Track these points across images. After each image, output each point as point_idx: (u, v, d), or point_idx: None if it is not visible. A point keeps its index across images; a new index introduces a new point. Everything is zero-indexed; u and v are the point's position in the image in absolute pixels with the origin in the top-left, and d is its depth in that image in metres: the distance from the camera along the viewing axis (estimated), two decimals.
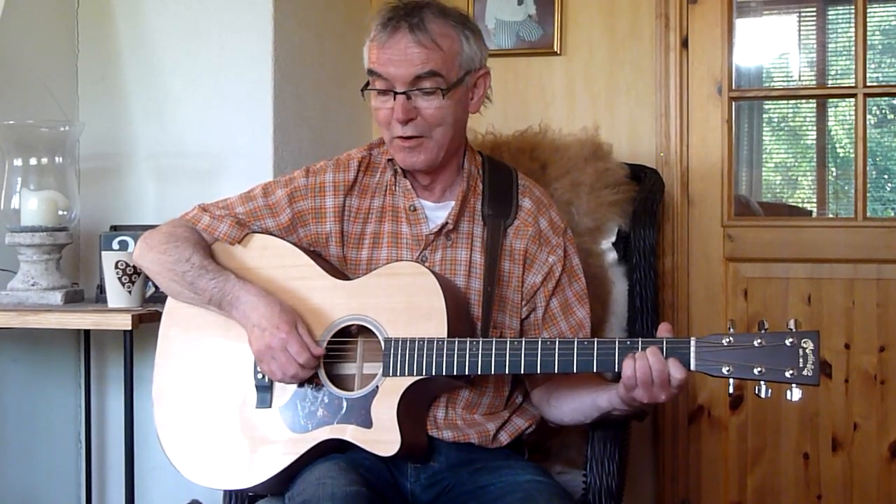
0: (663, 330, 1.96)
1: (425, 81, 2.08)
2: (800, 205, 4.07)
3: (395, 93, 2.08)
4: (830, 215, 3.86)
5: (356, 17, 3.50)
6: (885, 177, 3.90)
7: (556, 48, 3.54)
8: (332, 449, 2.07)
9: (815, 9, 3.97)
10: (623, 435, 2.41)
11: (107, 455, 3.20)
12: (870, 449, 3.38)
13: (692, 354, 1.89)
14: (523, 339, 2.00)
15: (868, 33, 3.39)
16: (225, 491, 2.31)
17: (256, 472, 2.10)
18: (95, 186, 3.12)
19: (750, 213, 3.72)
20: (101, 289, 2.78)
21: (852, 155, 3.43)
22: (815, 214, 3.91)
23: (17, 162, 2.83)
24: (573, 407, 2.16)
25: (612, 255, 2.76)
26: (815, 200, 4.01)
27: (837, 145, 3.96)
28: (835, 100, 3.90)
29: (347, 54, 3.39)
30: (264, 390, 2.12)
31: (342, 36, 3.41)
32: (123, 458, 2.66)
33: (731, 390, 1.92)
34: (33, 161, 2.85)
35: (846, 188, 3.75)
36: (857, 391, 3.38)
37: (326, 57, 3.33)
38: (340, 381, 2.11)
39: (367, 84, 2.14)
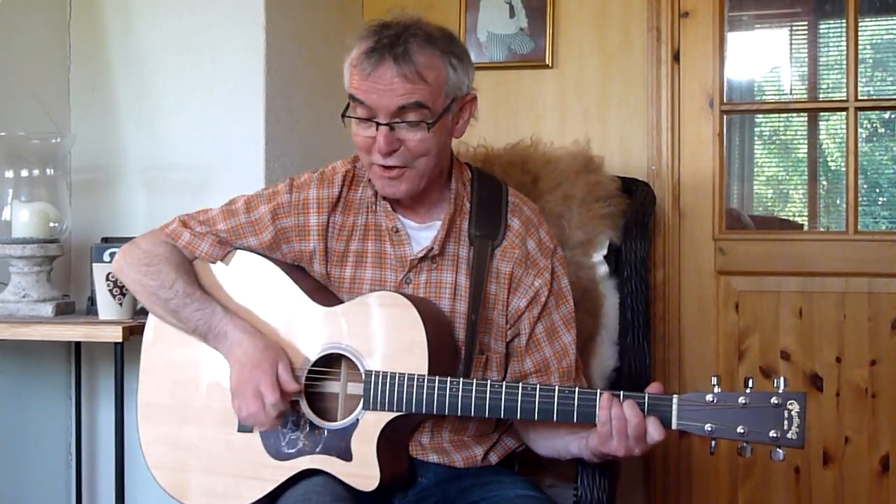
0: (653, 389, 1.92)
1: (410, 113, 1.99)
2: (791, 218, 4.07)
3: (378, 123, 2.01)
4: (822, 229, 3.86)
5: (348, 30, 3.47)
6: (877, 191, 3.90)
7: (547, 61, 3.55)
8: (313, 475, 2.06)
9: (806, 23, 3.98)
10: None
11: (97, 467, 3.19)
12: (861, 463, 3.38)
13: (674, 412, 1.87)
14: (504, 384, 1.97)
15: (859, 47, 3.41)
16: None
17: (238, 495, 2.09)
18: (87, 198, 3.12)
19: (741, 227, 3.73)
20: (92, 301, 2.78)
21: (843, 169, 3.44)
22: (806, 228, 3.91)
23: (9, 174, 2.83)
24: (547, 445, 2.15)
25: (604, 269, 2.76)
26: (806, 214, 4.01)
27: (829, 159, 3.96)
28: (826, 114, 3.90)
29: (339, 68, 3.37)
30: None
31: (334, 49, 3.40)
32: (114, 470, 2.65)
33: (711, 450, 1.88)
34: (24, 173, 2.84)
35: (837, 202, 3.75)
36: (849, 405, 3.38)
37: (318, 70, 3.33)
38: (323, 400, 2.10)
39: (347, 107, 2.07)
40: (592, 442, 1.94)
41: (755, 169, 4.05)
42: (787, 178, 4.08)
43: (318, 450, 2.05)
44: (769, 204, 4.07)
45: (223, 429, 2.13)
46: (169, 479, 2.15)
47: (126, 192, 3.11)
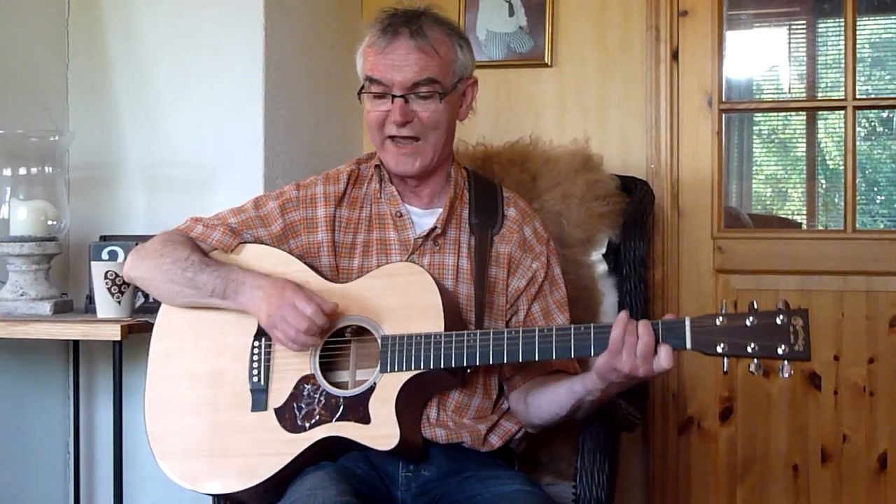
0: (667, 318, 1.98)
1: (423, 87, 2.14)
2: (790, 217, 4.07)
3: (394, 96, 2.13)
4: (820, 227, 3.86)
5: (347, 28, 3.51)
6: (875, 189, 3.91)
7: (546, 60, 3.55)
8: (329, 448, 2.08)
9: (804, 22, 3.98)
10: (613, 446, 2.41)
11: (95, 466, 3.19)
12: (859, 461, 3.38)
13: (688, 334, 1.92)
14: (520, 329, 2.03)
15: (858, 46, 3.41)
16: (213, 496, 2.28)
17: (252, 473, 2.10)
18: (85, 196, 3.11)
19: (740, 225, 3.73)
20: (91, 299, 2.78)
21: (842, 167, 3.44)
22: (804, 226, 3.91)
23: (7, 171, 2.83)
24: (550, 399, 2.15)
25: (602, 267, 2.76)
26: (804, 212, 4.01)
27: (827, 158, 3.96)
28: (825, 112, 3.90)
29: (339, 66, 3.39)
30: (259, 393, 2.13)
31: (334, 47, 3.41)
32: (112, 468, 2.66)
33: (724, 369, 1.94)
34: (23, 171, 2.84)
35: (836, 200, 3.75)
36: (847, 403, 3.38)
37: (318, 68, 3.33)
38: (336, 386, 2.12)
39: (362, 88, 2.19)
40: (601, 360, 1.95)
41: (754, 167, 4.05)
42: (786, 176, 4.09)
43: (335, 418, 2.06)
44: (768, 202, 4.07)
45: (235, 411, 2.14)
46: (180, 468, 2.15)
47: (125, 190, 3.11)
